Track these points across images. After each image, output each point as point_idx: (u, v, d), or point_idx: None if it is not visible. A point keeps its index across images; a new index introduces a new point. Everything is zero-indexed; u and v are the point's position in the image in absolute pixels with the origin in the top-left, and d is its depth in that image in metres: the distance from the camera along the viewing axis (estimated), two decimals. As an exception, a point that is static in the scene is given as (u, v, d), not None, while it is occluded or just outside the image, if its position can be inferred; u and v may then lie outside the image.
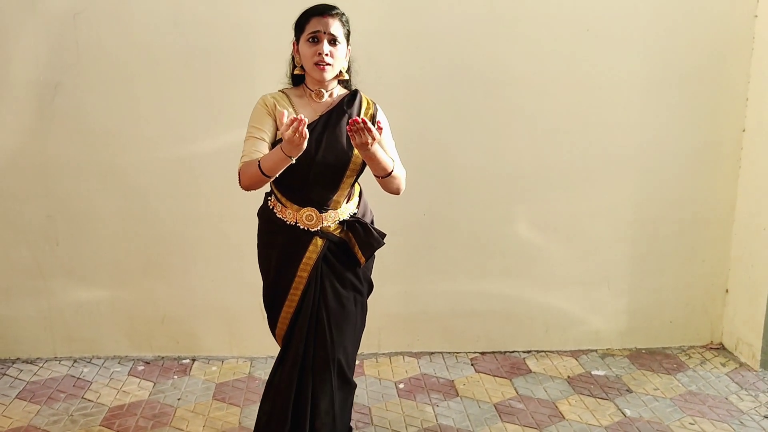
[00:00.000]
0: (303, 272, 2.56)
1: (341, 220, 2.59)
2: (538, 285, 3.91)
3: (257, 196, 3.64)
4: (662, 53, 3.70)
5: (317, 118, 2.52)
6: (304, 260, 2.56)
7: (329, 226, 2.56)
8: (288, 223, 2.56)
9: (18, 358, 3.70)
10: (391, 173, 2.49)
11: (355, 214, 2.63)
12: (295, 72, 2.59)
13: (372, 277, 2.76)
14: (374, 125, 2.35)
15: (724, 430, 3.17)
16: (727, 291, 4.01)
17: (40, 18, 3.38)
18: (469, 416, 3.26)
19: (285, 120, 2.24)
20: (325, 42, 2.46)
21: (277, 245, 2.61)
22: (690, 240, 3.93)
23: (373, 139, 2.30)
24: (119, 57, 3.46)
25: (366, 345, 3.21)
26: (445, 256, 3.83)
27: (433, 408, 3.32)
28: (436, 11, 3.56)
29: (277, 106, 2.51)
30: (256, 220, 3.65)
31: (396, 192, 2.60)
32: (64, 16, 3.39)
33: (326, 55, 2.46)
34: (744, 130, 3.82)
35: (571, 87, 3.69)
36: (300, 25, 2.53)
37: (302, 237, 2.55)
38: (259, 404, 2.68)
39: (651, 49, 3.69)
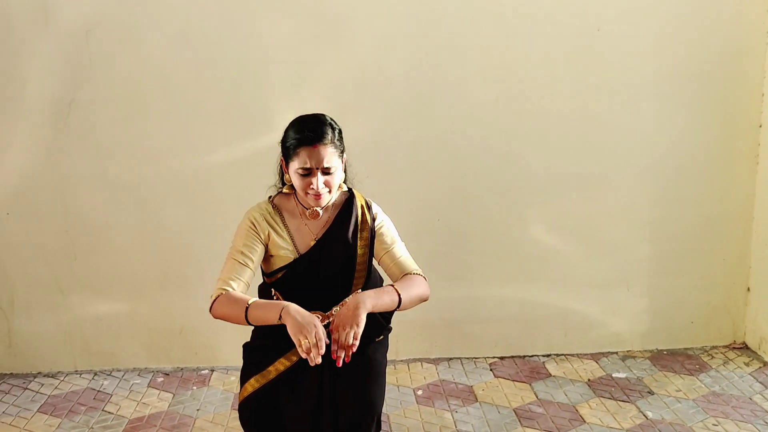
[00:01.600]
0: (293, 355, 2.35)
1: None
2: (556, 288, 3.88)
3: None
4: (675, 51, 3.67)
5: (314, 242, 2.40)
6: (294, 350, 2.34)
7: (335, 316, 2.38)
8: None
9: (39, 372, 3.74)
10: (401, 302, 2.30)
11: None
12: (284, 190, 2.43)
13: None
14: (371, 235, 2.37)
15: (748, 431, 3.12)
16: (748, 289, 3.95)
17: (53, 36, 3.43)
18: (489, 422, 3.23)
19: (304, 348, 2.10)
20: (319, 174, 2.26)
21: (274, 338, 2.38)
22: (709, 239, 3.88)
23: (356, 339, 2.15)
24: (131, 72, 3.50)
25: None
26: (461, 261, 3.81)
27: (452, 414, 3.30)
28: (445, 13, 3.55)
29: (271, 227, 2.37)
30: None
31: (422, 300, 2.41)
32: (77, 34, 3.44)
33: (322, 187, 2.28)
34: (761, 126, 3.77)
35: (583, 88, 3.67)
36: (287, 149, 2.31)
37: None
38: None
39: (663, 47, 3.66)
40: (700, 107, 3.74)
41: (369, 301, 2.24)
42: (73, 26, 3.43)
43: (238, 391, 2.45)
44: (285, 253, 2.39)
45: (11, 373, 3.73)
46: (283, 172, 2.43)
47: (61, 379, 3.68)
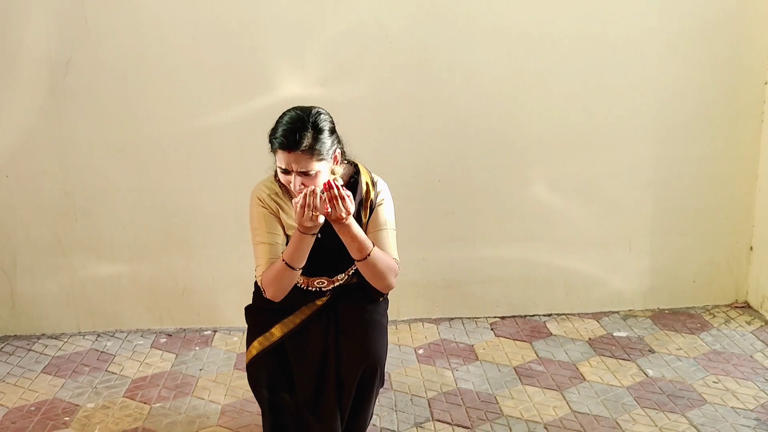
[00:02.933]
0: (297, 317, 2.50)
1: (353, 272, 2.52)
2: (558, 248, 3.87)
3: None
4: (679, 6, 3.60)
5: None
6: (313, 303, 2.52)
7: (341, 282, 2.52)
8: (298, 285, 2.47)
9: (43, 334, 3.76)
10: (367, 257, 2.30)
11: None
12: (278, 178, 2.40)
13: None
14: (370, 207, 2.38)
15: (748, 388, 3.13)
16: (751, 248, 3.93)
17: (48, -5, 3.39)
18: (489, 379, 3.25)
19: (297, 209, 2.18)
20: (295, 176, 2.26)
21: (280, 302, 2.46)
22: (712, 197, 3.86)
23: (348, 212, 2.19)
24: (129, 32, 3.45)
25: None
26: (463, 221, 3.80)
27: (452, 372, 3.32)
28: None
29: (277, 204, 2.41)
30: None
31: (382, 287, 2.41)
32: (73, -7, 3.40)
33: (299, 186, 2.25)
34: (766, 83, 3.72)
35: (584, 45, 3.61)
36: (271, 143, 2.31)
37: (313, 293, 2.52)
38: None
39: (667, 2, 3.60)
40: (705, 64, 3.68)
41: (354, 223, 2.27)
42: (69, -15, 3.39)
43: (245, 351, 2.49)
44: (291, 221, 2.41)
45: (15, 335, 3.75)
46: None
47: (65, 340, 3.71)
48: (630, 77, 3.67)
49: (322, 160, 2.26)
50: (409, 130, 3.65)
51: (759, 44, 3.68)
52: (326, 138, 2.27)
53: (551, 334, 3.71)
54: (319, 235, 2.32)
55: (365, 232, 2.40)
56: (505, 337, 3.67)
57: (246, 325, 2.60)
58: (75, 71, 3.47)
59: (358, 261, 2.33)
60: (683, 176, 3.81)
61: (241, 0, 3.46)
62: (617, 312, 3.93)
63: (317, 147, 2.24)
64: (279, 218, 2.41)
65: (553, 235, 3.84)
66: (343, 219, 2.21)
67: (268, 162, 2.44)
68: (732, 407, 2.98)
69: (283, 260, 2.28)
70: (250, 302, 2.64)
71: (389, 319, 2.65)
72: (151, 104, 3.54)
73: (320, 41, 3.52)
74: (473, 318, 3.89)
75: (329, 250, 2.39)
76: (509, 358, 3.45)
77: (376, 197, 2.46)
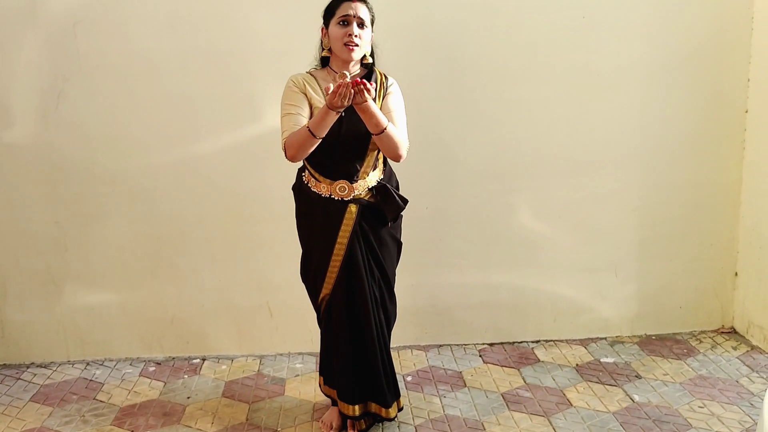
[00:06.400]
0: (342, 239, 2.84)
1: (370, 187, 2.86)
2: (545, 274, 3.90)
3: (261, 194, 3.70)
4: (660, 37, 3.68)
5: None
6: (342, 228, 2.84)
7: (360, 194, 2.84)
8: (323, 196, 2.83)
9: (32, 363, 3.76)
10: (384, 130, 2.67)
11: (381, 179, 2.90)
12: (323, 54, 2.82)
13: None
14: (376, 90, 2.74)
15: (733, 413, 3.14)
16: (736, 274, 3.97)
17: (41, 28, 3.45)
18: (476, 406, 3.26)
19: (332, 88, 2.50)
20: (354, 24, 2.70)
21: (316, 216, 2.88)
22: (697, 224, 3.91)
23: (368, 91, 2.52)
24: (119, 63, 3.51)
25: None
26: (450, 248, 3.83)
27: (440, 399, 3.33)
28: (432, 3, 3.57)
29: (309, 86, 2.77)
30: (263, 220, 3.72)
31: (395, 156, 2.77)
32: (65, 25, 3.46)
33: (356, 36, 2.69)
34: (747, 111, 3.79)
35: (569, 75, 3.68)
36: (330, 9, 2.76)
37: (338, 206, 2.83)
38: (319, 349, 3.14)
39: (649, 33, 3.68)
40: (687, 93, 3.76)
41: (373, 104, 2.62)
42: (61, 18, 3.45)
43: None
44: (317, 103, 2.76)
45: (4, 364, 3.75)
46: (322, 48, 2.83)
47: (54, 369, 3.71)
48: (613, 106, 3.74)
49: (372, 19, 2.78)
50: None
51: (739, 74, 3.76)
52: (372, 9, 2.79)
53: (539, 360, 3.72)
54: (343, 114, 2.64)
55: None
56: (493, 364, 3.69)
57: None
58: (67, 102, 3.52)
59: (375, 135, 2.68)
60: (668, 203, 3.86)
61: (230, 30, 3.52)
62: (605, 338, 3.96)
63: (370, 5, 2.78)
64: (307, 96, 2.76)
65: (540, 261, 3.88)
66: (365, 102, 2.56)
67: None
68: (717, 432, 3.01)
69: (308, 127, 2.62)
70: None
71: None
72: (141, 133, 3.59)
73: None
74: (462, 345, 3.91)
75: (349, 135, 2.75)
76: (497, 384, 3.47)
77: (387, 87, 2.87)
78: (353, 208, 2.83)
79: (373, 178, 2.88)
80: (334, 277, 2.90)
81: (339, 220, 2.84)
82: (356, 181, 2.83)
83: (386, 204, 2.88)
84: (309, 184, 2.87)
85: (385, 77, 2.90)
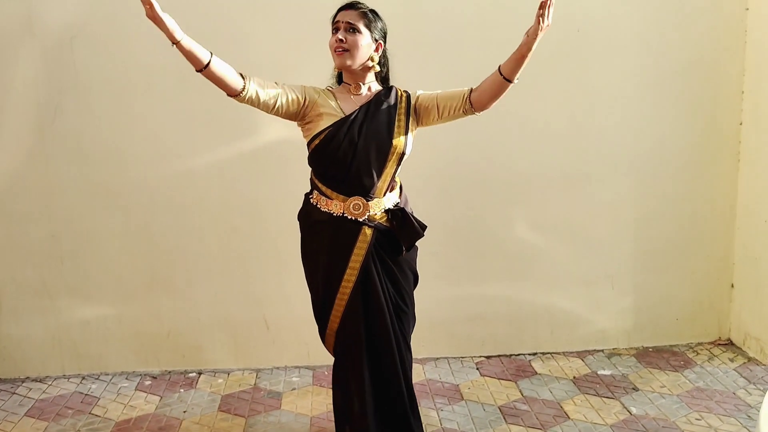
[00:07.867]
0: (354, 263, 2.63)
1: (386, 208, 2.66)
2: (542, 286, 3.90)
3: (257, 208, 3.69)
4: (655, 50, 3.71)
5: (357, 108, 2.62)
6: (354, 251, 2.62)
7: (375, 215, 2.63)
8: (335, 215, 2.61)
9: (27, 377, 3.75)
10: (514, 79, 2.65)
11: (398, 203, 2.70)
12: (334, 71, 2.74)
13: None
14: (413, 106, 2.67)
15: (731, 425, 3.14)
16: (732, 286, 3.98)
17: (38, 42, 3.46)
18: (473, 419, 3.25)
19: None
20: (342, 29, 2.58)
21: (325, 242, 2.66)
22: (693, 236, 3.92)
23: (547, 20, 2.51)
24: (116, 77, 3.52)
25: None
26: (447, 261, 3.84)
27: (437, 412, 3.32)
28: (427, 17, 3.59)
29: (323, 95, 2.65)
30: (259, 233, 3.71)
31: (492, 101, 2.71)
32: (62, 39, 3.47)
33: (341, 40, 2.56)
34: (741, 124, 3.81)
35: (564, 88, 3.71)
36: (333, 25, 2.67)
37: (351, 228, 2.62)
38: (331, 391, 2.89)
39: (643, 46, 3.70)
40: (682, 106, 3.78)
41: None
42: (58, 33, 3.46)
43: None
44: (330, 110, 2.61)
45: (-1, 378, 3.75)
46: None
47: (49, 383, 3.69)
48: (608, 119, 3.76)
49: (370, 25, 2.60)
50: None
51: (734, 86, 3.78)
52: (375, 17, 2.64)
53: (536, 373, 3.72)
54: (359, 118, 2.58)
55: (427, 116, 2.73)
56: (490, 377, 3.68)
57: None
58: (63, 116, 3.53)
59: (508, 80, 2.68)
60: (664, 215, 3.87)
61: (225, 45, 3.51)
62: (602, 350, 3.96)
63: (368, 13, 2.62)
64: (312, 100, 2.62)
65: (536, 273, 3.88)
66: (542, 30, 2.56)
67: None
68: (715, 444, 3.00)
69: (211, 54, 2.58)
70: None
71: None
72: (137, 148, 3.59)
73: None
74: (459, 358, 3.90)
75: (362, 152, 2.57)
76: (494, 397, 3.46)
77: (408, 100, 2.70)
78: (368, 231, 2.61)
79: (389, 199, 2.67)
80: (343, 305, 2.66)
81: (352, 242, 2.61)
82: (372, 198, 2.61)
83: (403, 229, 2.66)
84: (318, 205, 2.64)
85: (405, 93, 2.73)
